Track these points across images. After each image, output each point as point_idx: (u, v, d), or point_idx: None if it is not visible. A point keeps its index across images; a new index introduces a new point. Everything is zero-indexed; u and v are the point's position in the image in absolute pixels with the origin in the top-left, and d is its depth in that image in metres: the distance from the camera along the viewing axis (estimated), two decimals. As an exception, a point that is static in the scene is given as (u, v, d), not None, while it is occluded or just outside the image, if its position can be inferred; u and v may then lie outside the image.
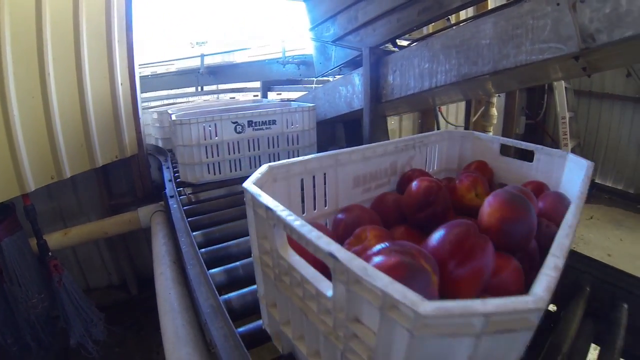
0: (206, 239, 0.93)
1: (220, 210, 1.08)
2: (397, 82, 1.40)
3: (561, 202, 0.62)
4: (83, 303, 1.41)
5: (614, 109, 3.89)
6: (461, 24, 1.32)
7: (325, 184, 0.64)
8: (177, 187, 1.25)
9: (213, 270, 0.75)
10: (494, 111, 2.27)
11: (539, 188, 0.69)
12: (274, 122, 1.25)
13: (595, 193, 3.91)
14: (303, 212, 0.62)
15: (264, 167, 0.53)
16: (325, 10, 1.64)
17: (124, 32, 1.57)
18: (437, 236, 0.46)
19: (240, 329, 0.57)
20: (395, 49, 1.48)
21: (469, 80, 1.18)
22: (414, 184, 0.62)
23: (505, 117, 3.76)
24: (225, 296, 0.66)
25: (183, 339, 0.62)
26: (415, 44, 1.41)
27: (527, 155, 0.75)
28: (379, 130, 1.69)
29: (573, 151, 3.89)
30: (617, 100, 3.84)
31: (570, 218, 0.41)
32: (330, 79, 2.05)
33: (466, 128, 2.28)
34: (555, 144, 3.78)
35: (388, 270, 0.37)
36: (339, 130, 2.29)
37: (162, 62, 2.92)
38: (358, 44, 1.52)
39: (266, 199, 0.41)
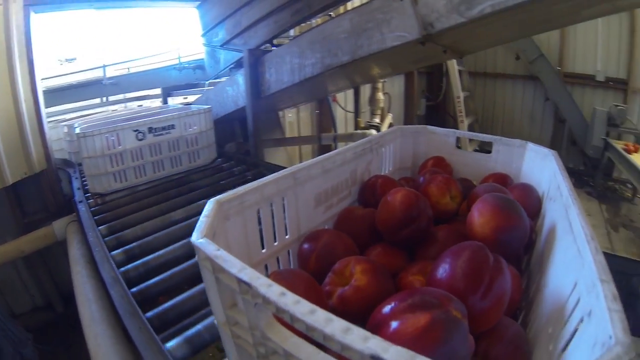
0: (111, 232, 1.07)
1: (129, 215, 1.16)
2: (273, 78, 1.57)
3: (529, 194, 0.61)
4: (9, 324, 1.35)
5: (507, 87, 4.56)
6: (324, 23, 1.51)
7: (284, 209, 0.54)
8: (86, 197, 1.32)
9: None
10: (380, 95, 2.47)
11: (502, 180, 0.69)
12: (172, 126, 1.32)
13: None
14: (263, 248, 0.51)
15: (211, 205, 0.41)
16: (214, 17, 1.81)
17: (24, 48, 1.57)
18: (446, 268, 0.40)
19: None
20: (273, 49, 1.66)
21: (333, 69, 1.35)
22: (389, 197, 0.56)
23: (406, 100, 4.17)
24: (122, 268, 0.90)
25: (98, 319, 0.74)
26: (287, 42, 1.61)
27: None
28: (270, 123, 1.96)
29: (472, 127, 4.39)
30: (509, 79, 4.50)
31: (585, 228, 0.38)
32: (224, 79, 2.20)
33: (355, 114, 2.45)
34: (454, 121, 4.21)
35: (423, 335, 0.30)
36: (236, 127, 2.34)
37: (60, 75, 2.79)
38: (243, 46, 1.69)
39: (237, 266, 0.30)
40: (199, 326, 0.71)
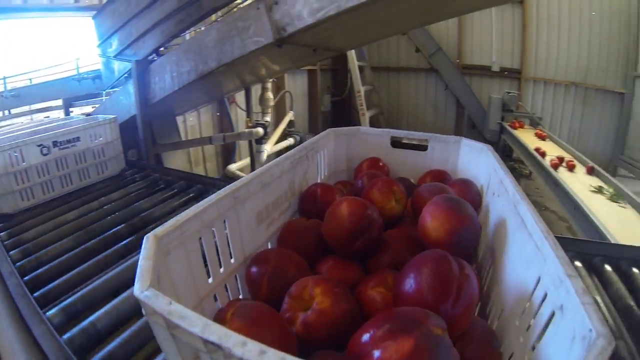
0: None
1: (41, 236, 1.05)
2: (158, 86, 1.71)
3: (469, 189, 0.65)
4: None
5: (410, 79, 5.00)
6: (197, 33, 1.70)
7: (227, 233, 0.49)
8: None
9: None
10: (269, 95, 2.62)
11: (440, 176, 0.71)
12: (78, 139, 1.31)
13: None
14: (209, 279, 0.46)
15: (149, 243, 0.35)
16: (108, 28, 1.87)
17: None
18: (412, 281, 0.39)
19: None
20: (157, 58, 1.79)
21: (207, 75, 1.52)
22: (336, 209, 0.54)
23: (310, 97, 4.39)
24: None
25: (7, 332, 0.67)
26: (167, 52, 1.74)
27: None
28: (168, 128, 2.10)
29: (376, 119, 4.74)
30: (412, 72, 4.93)
31: (540, 224, 0.40)
32: (118, 89, 2.27)
33: (247, 114, 2.57)
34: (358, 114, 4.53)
35: None
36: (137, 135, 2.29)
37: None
38: (133, 56, 1.79)
39: (199, 324, 0.25)
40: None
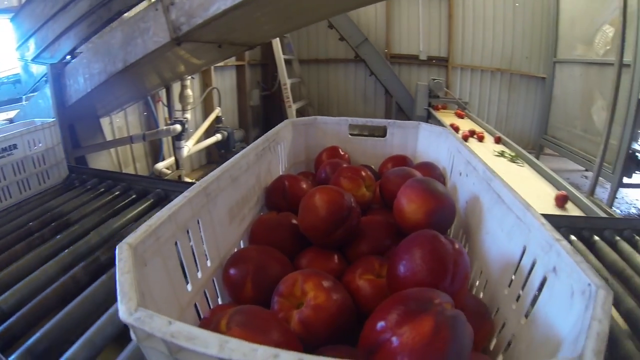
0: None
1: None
2: (73, 88, 1.74)
3: (433, 171, 0.68)
4: None
5: (339, 70, 5.17)
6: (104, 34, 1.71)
7: (201, 233, 0.46)
8: None
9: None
10: (189, 92, 2.65)
11: (402, 162, 0.74)
12: (14, 146, 1.19)
13: None
14: (187, 286, 0.43)
15: (124, 253, 0.31)
16: (25, 30, 1.85)
17: None
18: (409, 264, 0.40)
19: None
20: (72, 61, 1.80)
21: (117, 75, 1.58)
22: (312, 199, 0.53)
23: (239, 92, 4.44)
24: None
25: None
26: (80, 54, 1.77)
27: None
28: (91, 130, 2.10)
29: (305, 110, 4.88)
30: (341, 63, 5.10)
31: (518, 197, 0.44)
32: (37, 93, 2.24)
33: (169, 112, 2.63)
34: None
35: (432, 341, 0.29)
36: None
37: None
38: (50, 59, 1.79)
39: (214, 344, 0.23)
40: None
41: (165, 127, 2.43)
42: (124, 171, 2.66)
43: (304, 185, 0.64)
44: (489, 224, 0.49)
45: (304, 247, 0.56)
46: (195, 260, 0.44)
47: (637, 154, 2.86)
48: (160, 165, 2.67)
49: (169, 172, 2.61)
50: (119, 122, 2.73)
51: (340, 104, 5.28)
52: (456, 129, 3.08)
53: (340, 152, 0.78)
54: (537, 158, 2.86)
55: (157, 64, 1.72)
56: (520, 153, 2.43)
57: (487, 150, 2.57)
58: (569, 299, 0.32)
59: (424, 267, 0.39)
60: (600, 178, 2.97)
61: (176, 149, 2.58)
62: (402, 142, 0.77)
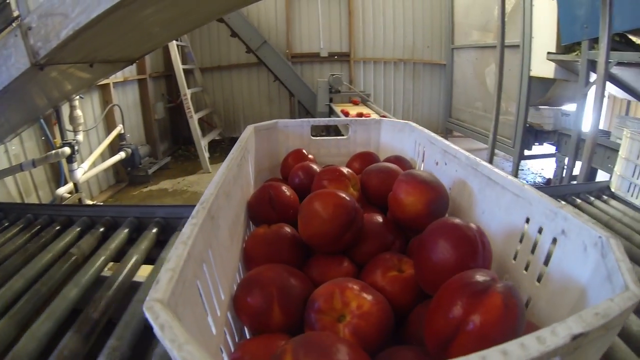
0: None
1: None
2: None
3: (404, 164, 0.73)
4: None
5: (242, 75, 5.20)
6: None
7: (212, 263, 0.43)
8: None
9: None
10: (78, 112, 2.58)
11: (370, 158, 0.77)
12: None
13: None
14: (212, 329, 0.40)
15: (157, 316, 0.28)
16: None
17: None
18: (443, 249, 0.42)
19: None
20: None
21: None
22: (314, 205, 0.53)
23: (142, 107, 4.34)
24: None
25: None
26: None
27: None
28: None
29: (210, 119, 4.95)
30: (244, 68, 5.15)
31: (511, 177, 0.49)
32: None
33: (61, 134, 2.58)
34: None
35: (506, 314, 0.32)
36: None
37: None
38: None
39: None
40: None
41: (53, 152, 2.31)
42: (26, 201, 2.51)
43: (291, 193, 0.63)
44: (483, 204, 0.54)
45: (306, 258, 0.56)
46: (212, 298, 0.41)
47: (533, 127, 3.32)
48: (62, 190, 2.53)
49: (69, 196, 2.48)
50: (15, 150, 2.55)
51: (246, 109, 5.32)
52: (346, 113, 3.58)
53: (306, 154, 0.79)
54: (447, 137, 3.22)
55: (30, 88, 1.66)
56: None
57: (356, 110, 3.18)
58: (582, 254, 0.37)
59: (457, 253, 0.42)
60: (503, 153, 3.39)
61: (70, 172, 2.49)
62: (365, 138, 0.81)
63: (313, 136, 0.82)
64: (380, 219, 0.58)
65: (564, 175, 2.95)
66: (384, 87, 5.25)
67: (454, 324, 0.33)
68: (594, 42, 2.45)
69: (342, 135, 0.83)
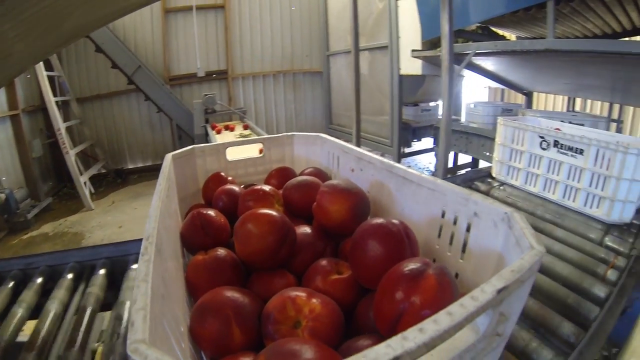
0: None
1: None
2: None
3: (321, 175, 0.78)
4: None
5: (122, 103, 4.86)
6: None
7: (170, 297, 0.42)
8: None
9: None
10: None
11: (286, 173, 0.81)
12: None
13: (129, 178, 4.87)
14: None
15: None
16: None
17: None
18: (376, 249, 0.49)
19: None
20: None
21: None
22: (250, 225, 0.55)
23: (17, 145, 3.87)
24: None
25: None
26: None
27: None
28: None
29: (92, 152, 4.62)
30: (123, 95, 4.82)
31: (426, 175, 0.58)
32: None
33: None
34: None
35: (441, 287, 0.39)
36: None
37: None
38: None
39: None
40: None
41: None
42: None
43: (220, 217, 0.64)
44: (402, 201, 0.62)
45: (246, 277, 0.57)
46: (176, 331, 0.41)
47: (410, 124, 3.57)
48: None
49: None
50: None
51: (129, 138, 5.00)
52: (213, 127, 3.84)
53: (224, 177, 0.80)
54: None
55: None
56: (254, 132, 3.45)
57: (233, 135, 3.49)
58: (493, 229, 0.46)
59: (386, 248, 0.49)
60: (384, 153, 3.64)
61: None
62: (280, 154, 0.85)
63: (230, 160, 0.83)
64: (308, 229, 0.62)
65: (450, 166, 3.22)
66: (264, 101, 5.32)
67: (399, 307, 0.39)
68: (457, 35, 2.65)
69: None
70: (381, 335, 0.42)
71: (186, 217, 0.63)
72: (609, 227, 1.06)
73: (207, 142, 3.95)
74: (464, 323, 0.28)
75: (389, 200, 0.65)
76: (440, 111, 3.51)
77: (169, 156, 0.73)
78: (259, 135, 3.55)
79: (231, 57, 4.98)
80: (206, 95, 4.15)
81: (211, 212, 0.64)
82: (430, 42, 2.94)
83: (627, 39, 2.48)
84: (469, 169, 3.82)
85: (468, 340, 0.33)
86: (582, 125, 2.26)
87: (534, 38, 2.65)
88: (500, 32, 3.06)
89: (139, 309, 0.32)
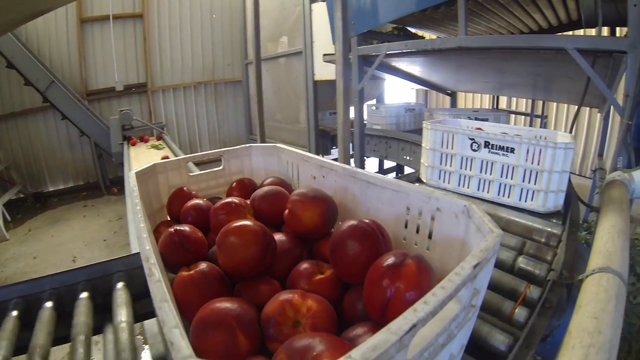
0: None
1: None
2: None
3: (285, 184, 0.82)
4: None
5: (39, 121, 4.47)
6: None
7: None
8: None
9: None
10: None
11: (249, 184, 0.84)
12: None
13: (49, 202, 4.48)
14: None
15: None
16: None
17: None
18: (355, 248, 0.55)
19: None
20: None
21: None
22: (232, 238, 0.58)
23: None
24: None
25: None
26: None
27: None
28: None
29: (6, 176, 4.24)
30: (40, 113, 4.43)
31: (386, 178, 0.65)
32: None
33: None
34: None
35: (420, 273, 0.45)
36: None
37: None
38: None
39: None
40: None
41: None
42: None
43: (197, 232, 0.65)
44: (367, 203, 0.68)
45: (232, 287, 0.60)
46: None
47: (327, 131, 3.49)
48: None
49: None
50: None
51: (49, 158, 4.61)
52: (129, 139, 3.88)
53: (187, 192, 0.80)
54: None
55: None
56: (166, 144, 3.58)
57: (145, 148, 3.59)
58: (455, 220, 0.55)
59: (364, 245, 0.55)
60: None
61: None
62: (239, 166, 0.87)
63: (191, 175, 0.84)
64: (283, 237, 0.67)
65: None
66: (186, 114, 5.20)
67: (386, 293, 0.46)
68: (372, 37, 2.65)
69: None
70: (372, 321, 0.48)
71: (162, 235, 0.64)
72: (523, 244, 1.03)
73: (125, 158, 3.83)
74: (454, 293, 0.34)
75: (354, 204, 0.71)
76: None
77: (132, 174, 0.73)
78: (169, 146, 3.61)
79: (150, 69, 4.80)
80: (122, 110, 3.93)
81: (186, 228, 0.65)
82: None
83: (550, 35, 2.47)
84: (394, 174, 4.01)
85: (453, 310, 0.39)
86: (487, 120, 2.46)
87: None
88: (420, 33, 3.13)
89: (173, 327, 0.34)
